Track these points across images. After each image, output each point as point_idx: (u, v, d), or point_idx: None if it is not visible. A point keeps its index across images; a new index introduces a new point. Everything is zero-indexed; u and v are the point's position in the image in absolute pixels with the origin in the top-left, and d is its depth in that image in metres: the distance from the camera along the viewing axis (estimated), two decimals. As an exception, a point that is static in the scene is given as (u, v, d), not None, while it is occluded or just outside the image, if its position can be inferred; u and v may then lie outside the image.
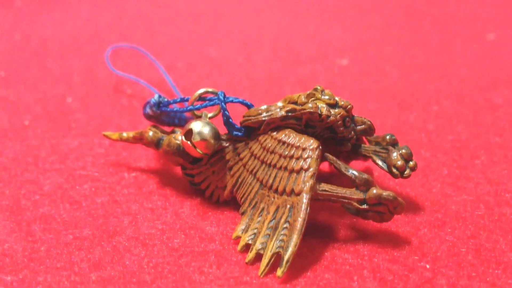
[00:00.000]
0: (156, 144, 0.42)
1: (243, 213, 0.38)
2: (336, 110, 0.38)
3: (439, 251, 0.37)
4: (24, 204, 0.41)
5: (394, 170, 0.39)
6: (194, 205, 0.41)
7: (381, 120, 0.53)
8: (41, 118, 0.53)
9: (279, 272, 0.33)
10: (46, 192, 0.42)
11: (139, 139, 0.43)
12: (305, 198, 0.35)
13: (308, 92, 0.39)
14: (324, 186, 0.36)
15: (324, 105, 0.38)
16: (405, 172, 0.39)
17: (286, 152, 0.37)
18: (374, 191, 0.36)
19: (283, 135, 0.38)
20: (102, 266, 0.35)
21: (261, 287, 0.34)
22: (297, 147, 0.37)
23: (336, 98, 0.39)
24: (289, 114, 0.38)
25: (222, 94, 0.40)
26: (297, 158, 0.36)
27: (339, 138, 0.39)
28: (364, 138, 0.43)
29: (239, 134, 0.40)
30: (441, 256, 0.37)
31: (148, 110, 0.43)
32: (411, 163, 0.39)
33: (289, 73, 0.64)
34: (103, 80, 0.61)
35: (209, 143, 0.39)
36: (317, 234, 0.38)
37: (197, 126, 0.39)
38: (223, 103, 0.40)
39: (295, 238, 0.34)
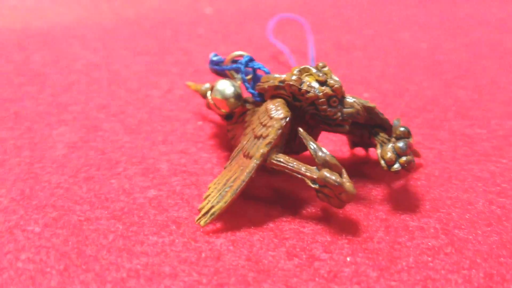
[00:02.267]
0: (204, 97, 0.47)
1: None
2: (322, 88, 0.38)
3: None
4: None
5: (382, 162, 0.38)
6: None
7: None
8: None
9: (202, 221, 0.36)
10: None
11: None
12: (252, 163, 0.37)
13: (304, 66, 0.39)
14: (281, 157, 0.37)
15: (309, 81, 0.38)
16: (393, 166, 0.37)
17: (262, 120, 0.39)
18: (325, 172, 0.36)
19: (270, 104, 0.39)
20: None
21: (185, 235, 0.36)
22: (269, 116, 0.38)
23: (334, 77, 0.38)
24: (280, 84, 0.40)
25: (247, 58, 0.43)
26: (264, 126, 0.38)
27: (323, 116, 0.39)
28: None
29: (258, 99, 0.43)
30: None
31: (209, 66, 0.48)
32: (403, 158, 0.37)
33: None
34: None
35: (228, 102, 0.42)
36: (286, 207, 0.39)
37: (221, 84, 0.43)
38: (242, 66, 0.43)
39: (228, 196, 0.36)
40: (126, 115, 0.50)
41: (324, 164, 0.35)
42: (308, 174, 0.36)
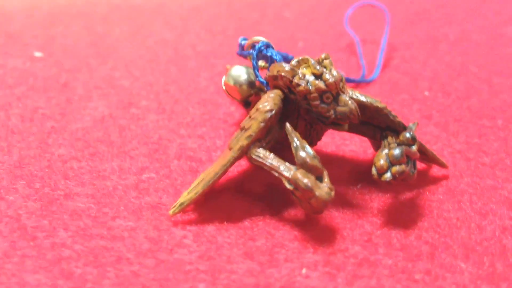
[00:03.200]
0: None
1: None
2: (316, 82, 0.35)
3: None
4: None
5: (373, 169, 0.34)
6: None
7: None
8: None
9: (170, 210, 0.36)
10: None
11: None
12: (229, 155, 0.35)
13: (303, 57, 0.37)
14: (260, 152, 0.35)
15: (304, 73, 0.36)
16: (384, 175, 0.34)
17: (251, 111, 0.37)
18: (298, 174, 0.33)
19: (265, 95, 0.37)
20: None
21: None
22: (256, 107, 0.36)
23: (332, 71, 0.36)
24: (278, 74, 0.37)
25: (261, 44, 0.41)
26: (249, 117, 0.36)
27: (315, 112, 0.36)
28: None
29: (268, 88, 0.41)
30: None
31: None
32: (396, 167, 0.34)
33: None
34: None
35: (240, 89, 0.41)
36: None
37: (235, 70, 0.42)
38: (255, 53, 0.41)
39: (199, 187, 0.35)
40: (166, 95, 0.50)
41: (303, 164, 0.33)
42: (285, 173, 0.33)
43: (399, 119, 0.38)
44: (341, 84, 0.35)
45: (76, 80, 0.52)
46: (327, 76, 0.34)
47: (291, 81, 0.35)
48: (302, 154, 0.33)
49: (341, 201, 0.37)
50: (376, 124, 0.38)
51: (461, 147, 0.43)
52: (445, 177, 0.40)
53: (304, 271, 0.31)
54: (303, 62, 0.36)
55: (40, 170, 0.39)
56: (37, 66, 0.55)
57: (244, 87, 0.40)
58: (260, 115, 0.34)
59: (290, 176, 0.33)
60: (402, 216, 0.35)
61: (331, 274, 0.31)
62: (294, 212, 0.36)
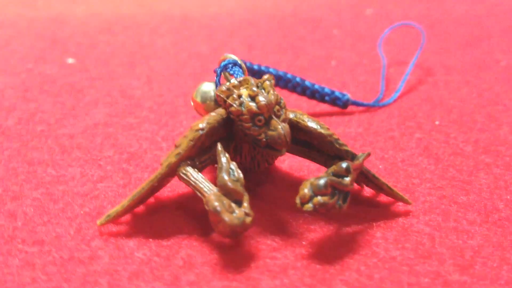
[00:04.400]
0: None
1: None
2: (250, 103, 0.34)
3: None
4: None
5: (297, 197, 0.33)
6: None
7: None
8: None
9: (98, 221, 0.36)
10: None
11: None
12: (157, 171, 0.35)
13: (244, 77, 0.36)
14: (188, 171, 0.35)
15: (241, 94, 0.35)
16: (305, 205, 0.32)
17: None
18: (211, 196, 0.33)
19: (208, 114, 0.37)
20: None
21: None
22: (191, 125, 0.36)
23: (268, 93, 0.35)
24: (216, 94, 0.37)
25: (227, 62, 0.40)
26: (183, 134, 0.36)
27: (248, 135, 0.35)
28: None
29: None
30: None
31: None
32: (317, 198, 0.32)
33: None
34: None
35: (207, 105, 0.41)
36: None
37: (204, 86, 0.41)
38: (219, 71, 0.41)
39: (125, 201, 0.35)
40: (168, 107, 0.51)
41: (222, 187, 0.32)
42: (205, 194, 0.33)
43: (348, 147, 0.35)
44: (276, 107, 0.34)
45: (92, 88, 0.54)
46: (260, 98, 0.34)
47: (225, 101, 0.34)
48: (223, 176, 0.32)
49: (277, 228, 0.35)
50: (325, 151, 0.36)
51: (444, 183, 0.40)
52: (405, 214, 0.37)
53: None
54: (244, 83, 0.35)
55: (5, 171, 0.41)
56: (63, 72, 0.58)
57: (211, 104, 0.39)
58: (190, 134, 0.34)
59: (205, 198, 0.32)
60: (333, 251, 0.33)
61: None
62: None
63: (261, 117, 0.34)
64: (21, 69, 0.58)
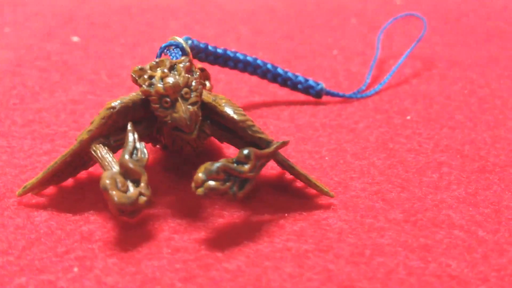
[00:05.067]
0: None
1: None
2: (159, 85, 0.35)
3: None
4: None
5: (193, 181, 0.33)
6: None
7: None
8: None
9: (17, 191, 0.37)
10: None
11: None
12: (70, 148, 0.36)
13: (162, 58, 0.36)
14: (98, 148, 0.35)
15: (154, 75, 0.35)
16: (198, 189, 0.32)
17: None
18: (105, 173, 0.33)
19: None
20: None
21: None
22: None
23: (179, 76, 0.35)
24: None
25: (167, 43, 0.41)
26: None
27: (157, 116, 0.35)
28: None
29: None
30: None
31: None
32: (209, 183, 0.32)
33: None
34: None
35: None
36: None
37: None
38: (159, 52, 0.41)
39: (40, 173, 0.37)
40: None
41: (121, 165, 0.33)
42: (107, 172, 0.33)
43: (264, 135, 0.35)
44: (184, 90, 0.34)
45: (83, 66, 0.56)
46: (168, 79, 0.34)
47: (136, 81, 0.34)
48: (124, 154, 0.33)
49: (190, 211, 0.35)
50: (242, 137, 0.36)
51: (382, 179, 0.39)
52: (326, 207, 0.36)
53: (75, 269, 0.31)
54: (161, 64, 0.35)
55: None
56: (62, 49, 0.60)
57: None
58: (103, 112, 0.35)
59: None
60: (231, 238, 0.33)
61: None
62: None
63: (167, 99, 0.34)
64: (23, 45, 0.60)
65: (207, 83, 0.46)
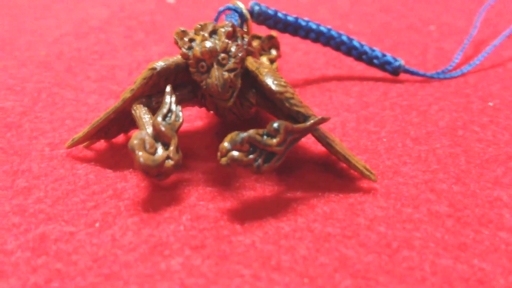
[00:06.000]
0: None
1: None
2: (197, 48, 0.34)
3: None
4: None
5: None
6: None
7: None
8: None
9: (66, 144, 0.38)
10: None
11: None
12: (114, 105, 0.37)
13: (207, 22, 0.35)
14: (138, 108, 0.35)
15: (194, 38, 0.35)
16: (222, 158, 0.32)
17: None
18: (136, 133, 0.33)
19: None
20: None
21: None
22: None
23: (218, 40, 0.34)
24: None
25: (225, 7, 0.40)
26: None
27: (195, 80, 0.35)
28: None
29: None
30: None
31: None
32: (232, 153, 0.31)
33: None
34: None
35: None
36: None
37: None
38: (217, 15, 0.40)
39: (86, 128, 0.37)
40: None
41: (154, 127, 0.33)
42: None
43: (303, 109, 0.33)
44: (222, 55, 0.33)
45: (170, 27, 0.57)
46: (206, 44, 0.33)
47: (177, 43, 0.34)
48: (157, 117, 0.33)
49: (221, 179, 0.35)
50: (281, 110, 0.34)
51: (436, 167, 0.36)
52: (367, 191, 0.34)
53: (97, 225, 0.32)
54: (204, 28, 0.34)
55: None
56: (160, 11, 0.61)
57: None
58: (145, 72, 0.35)
59: (133, 135, 0.33)
60: (252, 212, 0.32)
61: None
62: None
63: (203, 63, 0.33)
64: (119, 3, 0.62)
65: (273, 52, 0.44)
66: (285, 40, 0.51)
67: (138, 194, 0.34)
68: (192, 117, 0.41)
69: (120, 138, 0.38)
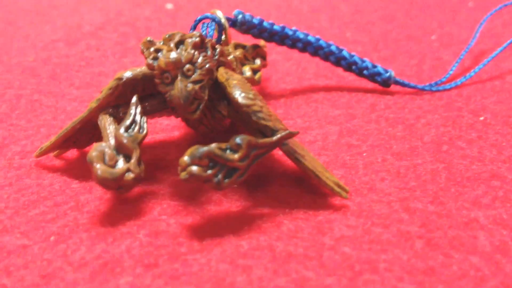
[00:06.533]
0: None
1: None
2: (162, 59, 0.33)
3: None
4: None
5: None
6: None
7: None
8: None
9: (34, 153, 0.37)
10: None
11: None
12: (81, 115, 0.36)
13: (176, 32, 0.34)
14: (103, 119, 0.34)
15: (161, 48, 0.34)
16: (181, 173, 0.30)
17: None
18: (95, 146, 0.32)
19: None
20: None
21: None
22: None
23: (184, 51, 0.33)
24: None
25: (201, 17, 0.39)
26: None
27: (159, 91, 0.34)
28: None
29: None
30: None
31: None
32: (191, 168, 0.30)
33: None
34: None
35: None
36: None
37: None
38: (193, 24, 0.39)
39: (54, 137, 0.37)
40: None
41: (116, 139, 0.32)
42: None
43: (270, 123, 0.32)
44: (187, 66, 0.32)
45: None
46: (170, 54, 0.32)
47: (143, 53, 0.33)
48: (119, 128, 0.32)
49: (186, 193, 0.34)
50: (248, 123, 0.33)
51: (413, 185, 0.35)
52: (337, 208, 0.33)
53: (52, 238, 0.31)
54: (172, 37, 0.33)
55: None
56: (157, 16, 0.60)
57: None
58: (111, 82, 0.34)
59: (93, 148, 0.32)
60: (212, 227, 0.31)
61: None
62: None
63: (168, 75, 0.32)
64: (115, 8, 0.62)
65: (257, 61, 0.43)
66: (278, 49, 0.50)
67: (100, 207, 0.33)
68: (170, 127, 0.40)
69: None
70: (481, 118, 0.41)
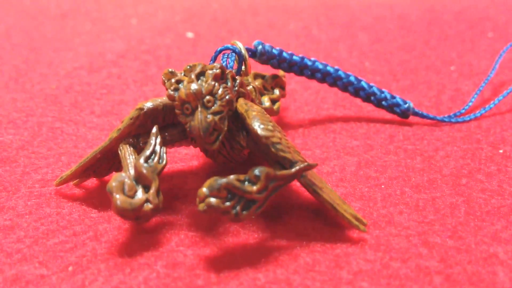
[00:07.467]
0: None
1: None
2: (183, 90, 0.33)
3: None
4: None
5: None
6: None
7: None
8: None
9: (55, 181, 0.37)
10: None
11: None
12: (101, 144, 0.36)
13: (198, 63, 0.35)
14: (123, 148, 0.35)
15: (181, 79, 0.34)
16: (200, 204, 0.31)
17: None
18: (115, 176, 0.33)
19: None
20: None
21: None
22: None
23: (205, 83, 0.33)
24: None
25: (221, 48, 0.39)
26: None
27: (180, 122, 0.34)
28: None
29: None
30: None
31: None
32: (209, 199, 0.30)
33: None
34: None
35: None
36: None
37: None
38: (214, 55, 0.39)
39: (74, 166, 0.37)
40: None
41: (135, 169, 0.33)
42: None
43: (289, 154, 0.32)
44: (207, 97, 0.32)
45: (186, 61, 0.57)
46: (191, 86, 0.32)
47: (164, 84, 0.34)
48: (139, 159, 0.32)
49: (204, 224, 0.34)
50: (267, 155, 0.33)
51: (433, 218, 0.34)
52: (355, 241, 0.33)
53: (70, 268, 0.31)
54: (193, 69, 0.34)
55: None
56: (178, 45, 0.61)
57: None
58: (132, 112, 0.34)
59: (115, 177, 0.32)
60: (227, 258, 0.31)
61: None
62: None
63: (188, 106, 0.32)
64: (137, 37, 0.63)
65: (276, 91, 0.43)
66: (296, 78, 0.50)
67: (118, 237, 0.33)
68: (189, 157, 0.41)
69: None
70: (501, 151, 0.41)
